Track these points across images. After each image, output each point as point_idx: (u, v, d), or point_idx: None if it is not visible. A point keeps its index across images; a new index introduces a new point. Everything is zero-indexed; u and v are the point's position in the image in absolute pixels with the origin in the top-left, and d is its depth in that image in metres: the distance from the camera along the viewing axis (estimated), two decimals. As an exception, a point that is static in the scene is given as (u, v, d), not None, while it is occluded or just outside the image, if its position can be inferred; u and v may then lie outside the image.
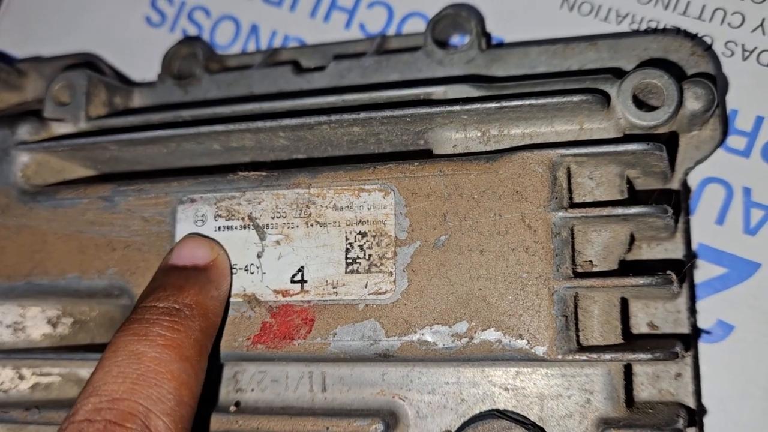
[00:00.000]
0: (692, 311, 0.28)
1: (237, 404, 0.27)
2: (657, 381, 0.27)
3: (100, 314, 0.31)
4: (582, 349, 0.24)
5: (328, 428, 0.25)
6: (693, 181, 0.31)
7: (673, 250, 0.28)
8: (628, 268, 0.26)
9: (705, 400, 0.29)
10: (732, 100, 0.31)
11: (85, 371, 0.31)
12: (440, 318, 0.24)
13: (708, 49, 0.30)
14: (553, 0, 0.33)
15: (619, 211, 0.24)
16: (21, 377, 0.30)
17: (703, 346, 0.30)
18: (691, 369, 0.27)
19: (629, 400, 0.25)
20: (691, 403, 0.27)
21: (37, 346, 0.31)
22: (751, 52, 0.31)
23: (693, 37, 0.31)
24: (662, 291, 0.25)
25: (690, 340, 0.28)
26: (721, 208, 0.31)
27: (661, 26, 0.32)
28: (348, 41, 0.34)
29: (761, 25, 0.31)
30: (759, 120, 0.31)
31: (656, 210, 0.24)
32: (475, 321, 0.24)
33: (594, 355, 0.23)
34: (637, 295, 0.26)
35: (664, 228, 0.26)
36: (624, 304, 0.27)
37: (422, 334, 0.24)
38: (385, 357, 0.25)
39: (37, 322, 0.31)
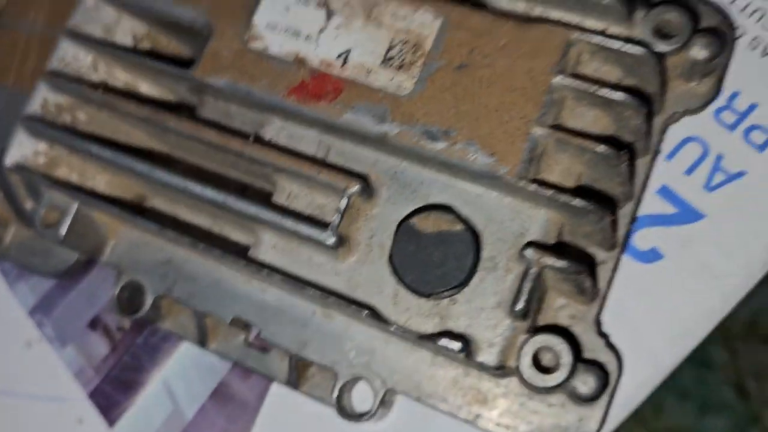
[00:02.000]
0: (633, 218, 0.33)
1: (256, 135, 0.33)
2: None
3: (172, 49, 0.38)
4: (535, 181, 0.29)
5: (319, 172, 0.31)
6: (681, 135, 0.36)
7: (641, 167, 0.33)
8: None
9: (610, 301, 0.34)
10: (738, 83, 0.36)
11: (145, 86, 0.37)
12: (438, 121, 0.30)
13: (732, 27, 0.35)
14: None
15: (605, 91, 0.29)
16: (95, 69, 0.36)
17: (633, 263, 0.35)
18: (614, 260, 0.33)
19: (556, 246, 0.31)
20: (602, 289, 0.32)
21: (116, 52, 0.37)
22: (771, 52, 0.36)
23: (727, 17, 0.36)
24: (614, 171, 0.30)
25: (625, 240, 0.33)
26: (693, 162, 0.36)
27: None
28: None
29: (787, 33, 0.36)
30: (752, 107, 0.36)
31: (635, 101, 0.29)
32: (463, 132, 0.30)
33: (543, 190, 0.29)
34: (598, 178, 0.31)
35: (636, 132, 0.31)
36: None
37: (419, 127, 0.30)
38: (384, 137, 0.31)
39: (124, 33, 0.37)
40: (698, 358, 0.38)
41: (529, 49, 0.30)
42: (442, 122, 0.30)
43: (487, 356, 0.30)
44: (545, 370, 0.29)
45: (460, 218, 0.30)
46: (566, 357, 0.29)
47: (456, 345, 0.29)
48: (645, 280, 0.35)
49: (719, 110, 0.36)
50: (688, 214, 0.35)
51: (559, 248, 0.31)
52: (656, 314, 0.34)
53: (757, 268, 0.34)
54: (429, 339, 0.30)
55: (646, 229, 0.35)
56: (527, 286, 0.29)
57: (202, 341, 0.37)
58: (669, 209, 0.36)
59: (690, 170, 0.36)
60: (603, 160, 0.29)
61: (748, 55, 0.36)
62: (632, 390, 0.34)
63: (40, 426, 0.39)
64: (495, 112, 0.30)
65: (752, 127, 0.35)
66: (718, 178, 0.35)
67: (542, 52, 0.30)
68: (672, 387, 0.37)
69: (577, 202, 0.29)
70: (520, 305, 0.29)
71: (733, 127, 0.36)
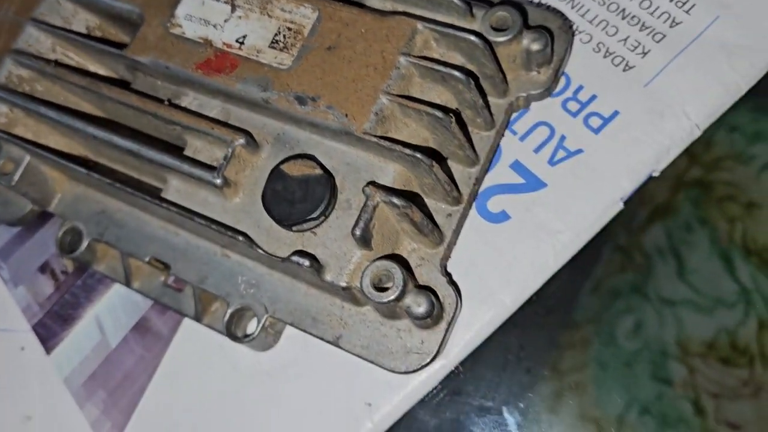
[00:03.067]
0: (479, 180, 0.40)
1: (169, 101, 0.40)
2: (431, 211, 0.39)
3: (118, 39, 0.46)
4: (378, 136, 0.36)
5: (213, 128, 0.38)
6: (533, 120, 0.43)
7: (486, 139, 0.40)
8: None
9: (464, 253, 0.41)
10: (583, 79, 0.43)
11: (92, 66, 0.45)
12: (308, 89, 0.38)
13: (570, 28, 0.43)
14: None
15: (439, 67, 0.36)
16: (53, 50, 0.45)
17: (485, 223, 0.42)
18: (459, 213, 0.39)
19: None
20: (448, 237, 0.39)
21: (72, 39, 0.45)
22: (611, 54, 0.43)
23: (567, 20, 0.43)
24: (450, 135, 0.37)
25: (471, 198, 0.40)
26: (541, 142, 0.43)
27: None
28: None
29: (625, 39, 0.44)
30: (593, 97, 0.43)
31: (463, 78, 0.36)
32: (326, 98, 0.37)
33: (384, 142, 0.36)
34: (442, 142, 0.38)
35: (473, 106, 0.38)
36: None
37: (292, 94, 0.38)
38: (267, 102, 0.38)
39: (80, 24, 0.45)
40: (659, 374, 0.44)
41: (383, 35, 0.38)
42: (311, 90, 0.38)
43: (337, 277, 0.37)
44: (382, 289, 0.36)
45: (320, 165, 0.37)
46: (399, 278, 0.35)
47: (306, 262, 0.36)
48: (494, 237, 0.41)
49: (566, 101, 0.43)
50: (533, 184, 0.42)
51: (403, 195, 0.37)
52: (502, 265, 0.41)
53: (585, 228, 0.41)
54: (287, 259, 0.36)
55: (498, 195, 0.42)
56: (364, 216, 0.35)
57: (127, 281, 0.44)
58: (518, 180, 0.42)
59: (538, 149, 0.43)
60: (437, 122, 0.37)
61: (592, 56, 0.44)
62: (478, 328, 0.40)
63: (-12, 350, 0.46)
64: (352, 83, 0.37)
65: (591, 114, 0.43)
66: (560, 154, 0.42)
67: (393, 38, 0.37)
68: (635, 402, 0.43)
69: (408, 151, 0.35)
70: (357, 231, 0.35)
71: (576, 114, 0.43)
